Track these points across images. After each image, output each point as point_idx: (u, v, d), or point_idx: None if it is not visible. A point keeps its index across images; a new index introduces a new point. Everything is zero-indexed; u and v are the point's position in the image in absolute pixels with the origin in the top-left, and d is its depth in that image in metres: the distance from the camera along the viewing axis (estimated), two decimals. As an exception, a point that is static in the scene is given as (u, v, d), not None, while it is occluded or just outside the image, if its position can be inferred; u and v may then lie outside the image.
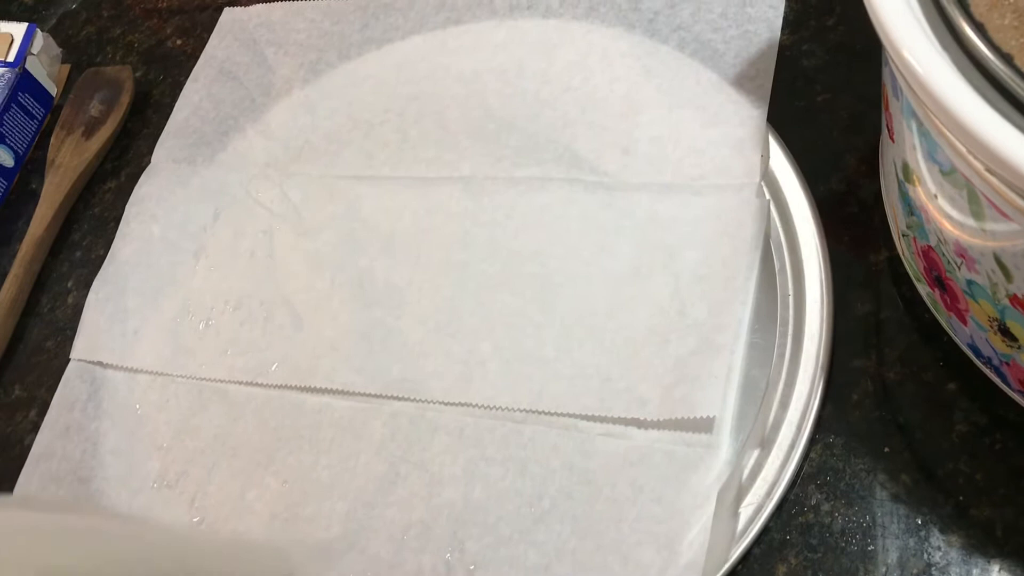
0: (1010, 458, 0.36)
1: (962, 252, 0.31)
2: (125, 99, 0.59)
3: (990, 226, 0.28)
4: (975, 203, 0.28)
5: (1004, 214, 0.27)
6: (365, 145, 0.52)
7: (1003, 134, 0.25)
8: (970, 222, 0.29)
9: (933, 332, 0.39)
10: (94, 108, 0.59)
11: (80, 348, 0.50)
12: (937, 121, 0.27)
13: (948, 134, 0.27)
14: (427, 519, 0.40)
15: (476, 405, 0.42)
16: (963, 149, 0.27)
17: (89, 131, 0.58)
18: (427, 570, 0.39)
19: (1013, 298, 0.29)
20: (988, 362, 0.35)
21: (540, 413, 0.41)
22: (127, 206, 0.53)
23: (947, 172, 0.29)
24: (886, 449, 0.37)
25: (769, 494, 0.37)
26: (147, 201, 0.53)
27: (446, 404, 0.43)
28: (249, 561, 0.40)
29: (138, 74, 0.61)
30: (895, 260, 0.41)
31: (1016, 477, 0.36)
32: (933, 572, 0.35)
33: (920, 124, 0.29)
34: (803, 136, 0.45)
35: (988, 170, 0.26)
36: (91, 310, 0.51)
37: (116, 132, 0.58)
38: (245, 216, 0.51)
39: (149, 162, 0.55)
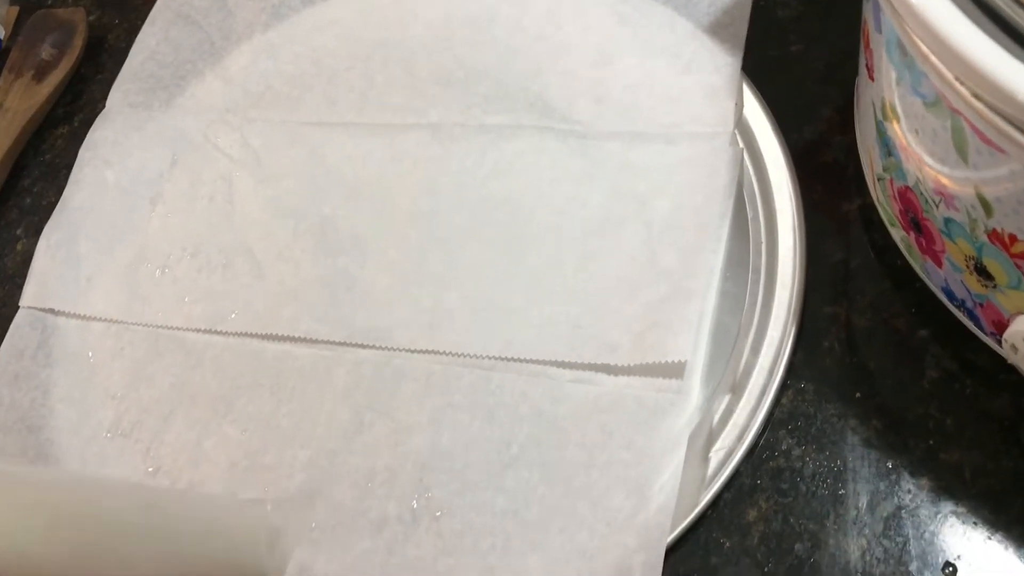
0: (979, 403, 0.36)
1: (941, 189, 0.31)
2: (78, 42, 0.57)
3: (972, 157, 0.28)
4: (959, 134, 0.28)
5: (989, 142, 0.27)
6: (329, 91, 0.50)
7: (992, 56, 0.25)
8: (952, 155, 0.29)
9: (905, 279, 0.38)
10: (45, 51, 0.57)
11: (30, 295, 0.48)
12: (923, 47, 0.27)
13: (935, 60, 0.27)
14: (393, 466, 0.40)
15: (443, 352, 0.41)
16: (950, 76, 0.26)
17: (40, 75, 0.56)
18: (392, 517, 0.38)
19: (992, 233, 0.29)
20: (962, 305, 0.34)
21: (509, 360, 0.41)
22: (80, 151, 0.51)
23: (931, 103, 0.29)
24: (857, 395, 0.37)
25: (740, 439, 0.37)
26: (101, 146, 0.51)
27: (413, 352, 0.42)
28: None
29: (92, 18, 0.58)
30: (867, 208, 0.41)
31: (984, 421, 0.36)
32: (903, 515, 0.35)
33: (904, 55, 0.29)
34: (777, 86, 0.45)
35: (975, 95, 0.26)
36: (42, 257, 0.49)
37: (68, 76, 0.56)
38: (203, 162, 0.50)
39: (104, 107, 0.53)
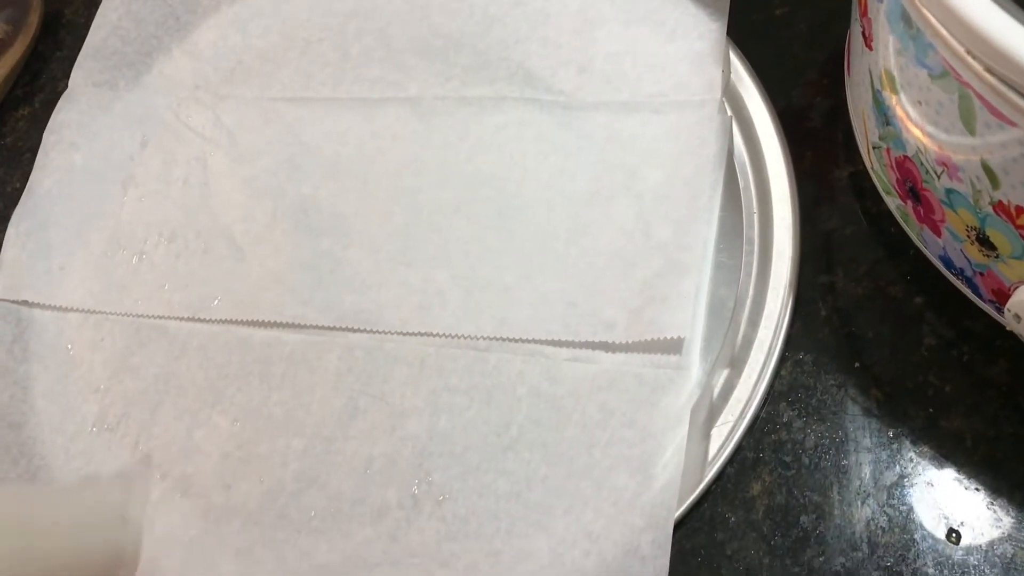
0: (977, 369, 0.36)
1: (944, 160, 0.30)
2: (34, 18, 0.54)
3: (980, 130, 0.27)
4: (967, 106, 0.27)
5: (999, 115, 0.26)
6: (302, 65, 0.49)
7: (1007, 30, 0.24)
8: (958, 127, 0.28)
9: (899, 247, 0.38)
10: (-1, 29, 0.54)
11: (1, 287, 0.46)
12: (933, 20, 0.26)
13: (945, 33, 0.26)
14: (390, 452, 0.39)
15: (436, 334, 0.41)
16: (960, 49, 0.26)
17: (-6, 54, 0.54)
18: (393, 504, 0.38)
19: (998, 205, 0.29)
20: (960, 273, 0.34)
21: (504, 340, 0.40)
22: (44, 134, 0.49)
23: (937, 76, 0.28)
24: (856, 364, 0.37)
25: (741, 414, 0.37)
26: (66, 128, 0.50)
27: (405, 335, 0.41)
28: (70, 502, 0.40)
29: (46, -9, 0.56)
30: (858, 175, 0.40)
31: (983, 387, 0.36)
32: (906, 483, 0.35)
33: (909, 26, 0.28)
34: (762, 50, 0.44)
35: (988, 70, 0.25)
36: (11, 246, 0.47)
37: (26, 55, 0.54)
38: (175, 142, 0.48)
39: (66, 87, 0.51)
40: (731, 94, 0.43)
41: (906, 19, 0.28)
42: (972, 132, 0.28)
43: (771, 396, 0.37)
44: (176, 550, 0.39)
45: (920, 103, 0.30)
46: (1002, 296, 0.33)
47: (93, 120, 0.50)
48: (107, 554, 0.38)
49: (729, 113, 0.42)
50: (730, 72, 0.43)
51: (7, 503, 0.38)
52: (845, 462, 0.36)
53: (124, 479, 0.41)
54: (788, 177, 0.40)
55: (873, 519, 0.34)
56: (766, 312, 0.38)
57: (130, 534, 0.39)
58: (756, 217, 0.40)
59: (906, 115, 0.32)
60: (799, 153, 0.41)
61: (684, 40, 0.44)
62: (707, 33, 0.44)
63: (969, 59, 0.26)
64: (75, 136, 0.49)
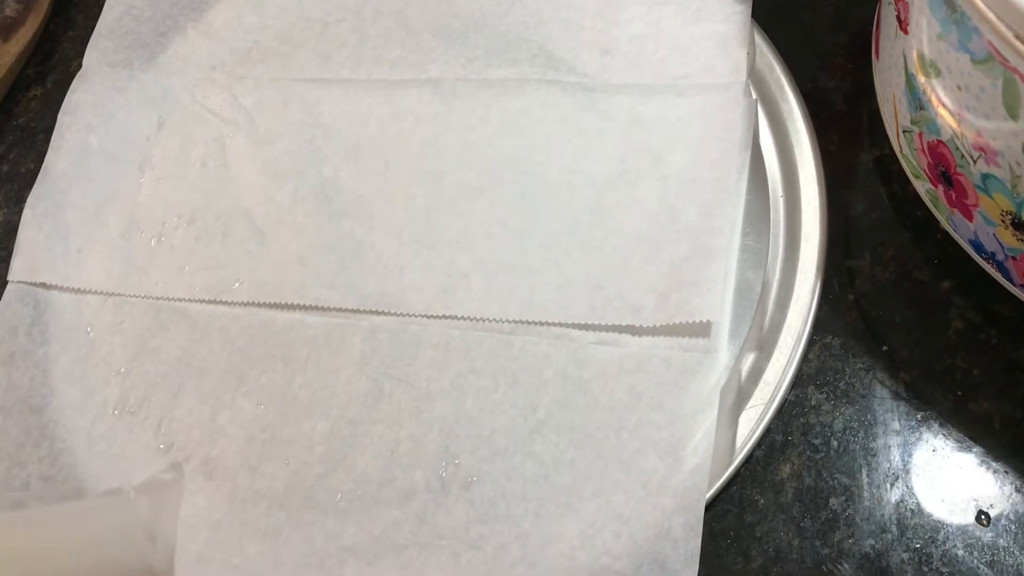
0: (1005, 352, 0.36)
1: (982, 146, 0.30)
2: (45, -3, 0.54)
3: (1024, 115, 0.28)
4: (1011, 92, 0.27)
5: (1046, 101, 0.26)
6: (320, 46, 0.48)
7: (1059, 15, 0.24)
8: (1000, 112, 0.28)
9: (925, 231, 0.39)
10: (9, 7, 0.54)
11: (18, 269, 0.46)
12: (980, 4, 0.26)
13: (992, 17, 0.26)
14: (417, 434, 0.39)
15: (461, 317, 0.41)
16: (1008, 34, 0.26)
17: (5, 33, 0.53)
18: (420, 486, 0.38)
19: (1037, 190, 0.29)
20: (991, 257, 0.34)
21: (529, 323, 0.40)
22: (60, 115, 0.49)
23: (980, 60, 0.28)
24: (884, 348, 0.37)
25: (770, 397, 0.37)
26: (81, 109, 0.49)
27: (429, 317, 0.41)
28: (93, 520, 0.38)
29: (57, -30, 0.55)
30: (884, 159, 0.40)
31: (1011, 370, 0.36)
32: (935, 466, 0.35)
33: (953, 10, 0.28)
34: (787, 32, 0.44)
35: (1037, 54, 0.25)
36: (28, 228, 0.47)
37: (37, 34, 0.53)
38: (192, 123, 0.48)
39: (78, 67, 0.50)
40: (756, 77, 0.43)
41: (949, 3, 0.28)
42: (1015, 117, 0.28)
43: (799, 379, 0.37)
44: (202, 532, 0.39)
45: (960, 87, 0.30)
46: (1035, 280, 0.33)
47: (108, 101, 0.49)
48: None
49: (755, 96, 0.42)
50: (755, 54, 0.43)
51: (20, 530, 0.36)
52: (873, 445, 0.36)
53: (151, 492, 0.39)
54: (814, 161, 0.40)
55: (902, 501, 0.35)
56: (794, 296, 0.38)
57: (160, 550, 0.38)
58: (782, 201, 0.40)
59: (942, 100, 0.32)
60: (825, 136, 0.41)
61: (709, 22, 0.44)
62: (732, 15, 0.44)
63: (1017, 43, 0.26)
64: (90, 117, 0.49)
